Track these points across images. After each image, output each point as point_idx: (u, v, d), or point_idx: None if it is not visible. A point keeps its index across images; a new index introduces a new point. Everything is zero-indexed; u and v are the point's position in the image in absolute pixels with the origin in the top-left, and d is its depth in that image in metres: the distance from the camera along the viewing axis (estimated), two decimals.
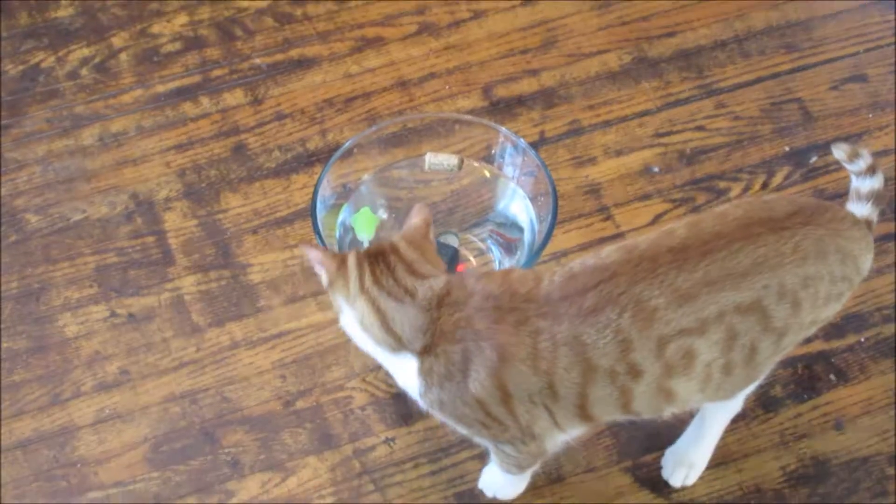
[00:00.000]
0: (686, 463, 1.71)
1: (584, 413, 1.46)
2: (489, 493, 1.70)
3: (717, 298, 1.39)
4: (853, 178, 1.57)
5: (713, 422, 1.69)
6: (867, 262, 1.50)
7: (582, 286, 1.41)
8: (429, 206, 1.55)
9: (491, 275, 1.47)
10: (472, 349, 1.41)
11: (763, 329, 1.43)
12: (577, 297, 1.41)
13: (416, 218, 1.52)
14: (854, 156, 1.55)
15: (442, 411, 1.47)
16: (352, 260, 1.45)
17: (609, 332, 1.39)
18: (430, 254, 1.50)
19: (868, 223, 1.53)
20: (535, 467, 1.63)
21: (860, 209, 1.55)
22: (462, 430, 1.51)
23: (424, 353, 1.42)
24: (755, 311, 1.41)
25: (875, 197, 1.56)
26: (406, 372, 1.45)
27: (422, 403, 1.47)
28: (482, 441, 1.56)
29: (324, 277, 1.48)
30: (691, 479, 1.71)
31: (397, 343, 1.44)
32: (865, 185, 1.56)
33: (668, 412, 1.50)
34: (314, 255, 1.47)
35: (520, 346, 1.40)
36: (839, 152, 1.56)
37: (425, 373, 1.43)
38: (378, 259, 1.45)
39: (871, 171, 1.56)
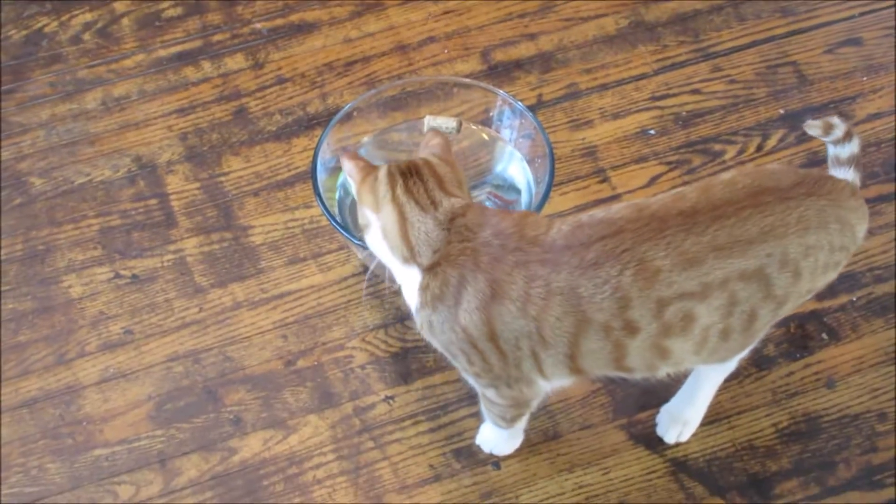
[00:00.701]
0: (680, 420, 1.72)
1: (573, 364, 1.46)
2: (486, 449, 1.72)
3: (723, 264, 1.39)
4: (830, 147, 1.56)
5: (707, 381, 1.70)
6: (863, 230, 1.50)
7: (587, 238, 1.41)
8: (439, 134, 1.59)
9: (509, 213, 1.48)
10: (469, 278, 1.43)
11: (764, 297, 1.43)
12: (580, 248, 1.41)
13: (436, 139, 1.56)
14: (829, 128, 1.55)
15: (431, 334, 1.48)
16: (382, 172, 1.48)
17: (608, 288, 1.39)
18: (457, 171, 1.53)
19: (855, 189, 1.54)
20: (523, 423, 1.65)
21: (843, 174, 1.54)
22: (450, 360, 1.52)
23: (429, 269, 1.44)
24: (758, 278, 1.41)
25: (855, 161, 1.56)
26: (411, 286, 1.47)
27: (416, 321, 1.49)
28: (469, 379, 1.56)
29: (353, 187, 1.52)
30: (685, 436, 1.72)
31: (409, 254, 1.46)
32: (845, 151, 1.55)
33: (663, 371, 1.51)
34: (347, 166, 1.53)
35: (512, 287, 1.41)
36: (813, 130, 1.56)
37: (423, 288, 1.45)
38: (411, 172, 1.48)
39: (849, 136, 1.55)
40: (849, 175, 1.55)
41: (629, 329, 1.41)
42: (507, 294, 1.42)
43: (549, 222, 1.46)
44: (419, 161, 1.50)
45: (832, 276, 1.50)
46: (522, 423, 1.68)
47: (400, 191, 1.47)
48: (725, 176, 1.47)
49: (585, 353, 1.44)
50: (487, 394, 1.56)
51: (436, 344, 1.51)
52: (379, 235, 1.49)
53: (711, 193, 1.44)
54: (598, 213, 1.45)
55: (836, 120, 1.55)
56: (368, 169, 1.51)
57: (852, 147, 1.55)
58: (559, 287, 1.40)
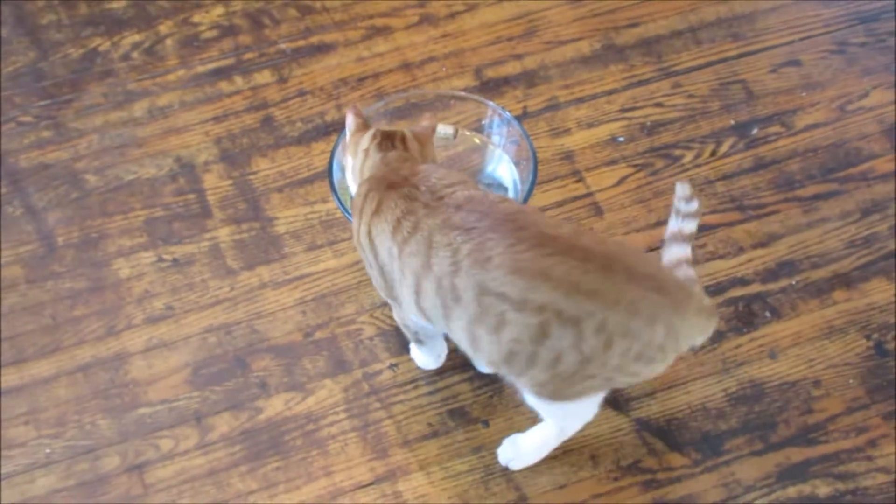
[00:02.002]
0: (515, 447, 1.64)
1: (418, 302, 1.44)
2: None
3: (546, 292, 1.32)
4: (677, 219, 1.50)
5: (546, 422, 1.60)
6: (694, 342, 1.43)
7: (464, 205, 1.40)
8: (435, 118, 1.69)
9: (450, 171, 1.51)
10: (370, 193, 1.49)
11: (572, 346, 1.35)
12: (454, 209, 1.40)
13: (425, 122, 1.63)
14: (690, 199, 1.50)
15: (358, 245, 1.53)
16: (370, 132, 1.59)
17: (449, 250, 1.37)
18: (427, 149, 1.60)
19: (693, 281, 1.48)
20: (435, 348, 1.69)
21: (680, 250, 1.49)
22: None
23: (362, 182, 1.55)
24: (573, 326, 1.33)
25: (691, 241, 1.52)
26: None
27: None
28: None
29: (346, 136, 1.63)
30: (514, 466, 1.65)
31: (359, 182, 1.57)
32: (688, 227, 1.51)
33: (480, 363, 1.45)
34: (349, 119, 1.62)
35: (392, 210, 1.44)
36: (681, 189, 1.50)
37: (352, 202, 1.55)
38: (388, 136, 1.57)
39: (697, 215, 1.50)
40: (685, 251, 1.49)
41: (455, 295, 1.37)
42: (385, 214, 1.44)
43: (463, 181, 1.46)
44: (399, 131, 1.58)
45: (645, 368, 1.41)
46: (435, 348, 1.68)
47: (373, 145, 1.57)
48: (605, 236, 1.41)
49: (424, 296, 1.41)
50: (394, 311, 1.58)
51: (363, 256, 1.53)
52: (349, 175, 1.61)
53: (580, 234, 1.38)
54: (495, 196, 1.44)
55: (697, 198, 1.49)
56: (362, 126, 1.61)
57: (694, 226, 1.50)
58: (424, 227, 1.40)
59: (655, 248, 1.86)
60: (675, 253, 1.51)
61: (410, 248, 1.41)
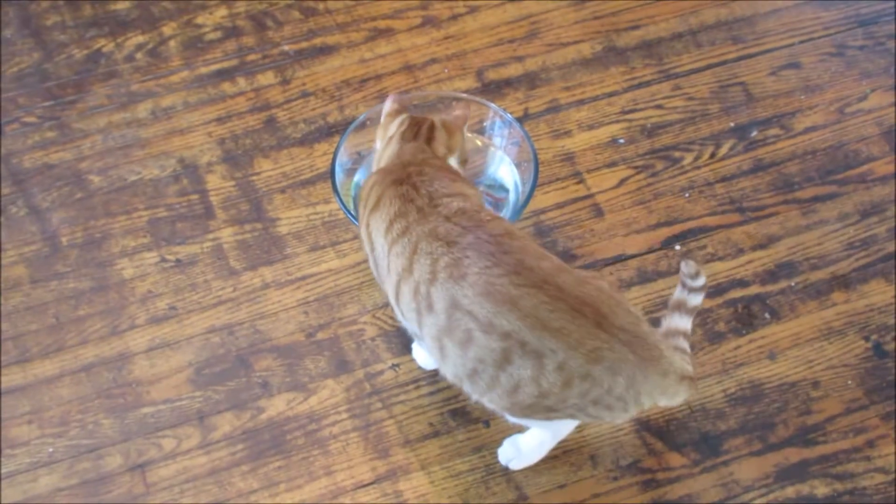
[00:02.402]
0: (515, 447, 1.64)
1: (398, 301, 1.44)
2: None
3: (512, 320, 1.32)
4: (682, 291, 1.50)
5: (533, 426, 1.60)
6: (657, 402, 1.42)
7: (452, 215, 1.41)
8: (468, 108, 1.67)
9: (456, 181, 1.50)
10: (375, 186, 1.49)
11: (532, 378, 1.34)
12: (443, 220, 1.40)
13: (457, 111, 1.63)
14: (696, 274, 1.49)
15: (360, 228, 1.53)
16: (400, 118, 1.59)
17: (429, 259, 1.37)
18: (455, 139, 1.59)
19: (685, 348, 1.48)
20: (420, 356, 1.70)
21: (680, 322, 1.50)
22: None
23: (372, 174, 1.56)
24: (534, 358, 1.33)
25: (693, 314, 1.52)
26: None
27: None
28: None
29: (382, 119, 1.63)
30: (515, 465, 1.64)
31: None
32: (693, 300, 1.51)
33: (444, 371, 1.44)
34: (387, 104, 1.63)
35: (388, 209, 1.45)
36: (686, 267, 1.49)
37: (363, 183, 1.56)
38: (415, 124, 1.58)
39: (703, 290, 1.50)
40: (685, 324, 1.48)
41: (428, 303, 1.37)
42: (381, 211, 1.45)
43: (456, 194, 1.45)
44: (429, 119, 1.58)
45: (612, 415, 1.40)
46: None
47: (398, 133, 1.57)
48: (585, 273, 1.40)
49: (402, 296, 1.42)
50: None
51: (363, 245, 1.53)
52: (375, 158, 1.61)
53: (560, 271, 1.36)
54: (488, 214, 1.43)
55: (702, 273, 1.48)
56: (395, 112, 1.61)
57: (699, 301, 1.50)
58: (412, 232, 1.40)
59: (655, 249, 1.87)
60: (676, 323, 1.53)
61: (397, 248, 1.42)
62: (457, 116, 1.61)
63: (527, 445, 1.63)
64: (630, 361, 1.35)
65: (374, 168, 1.61)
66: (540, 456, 1.65)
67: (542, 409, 1.40)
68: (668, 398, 1.44)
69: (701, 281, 1.52)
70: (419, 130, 1.57)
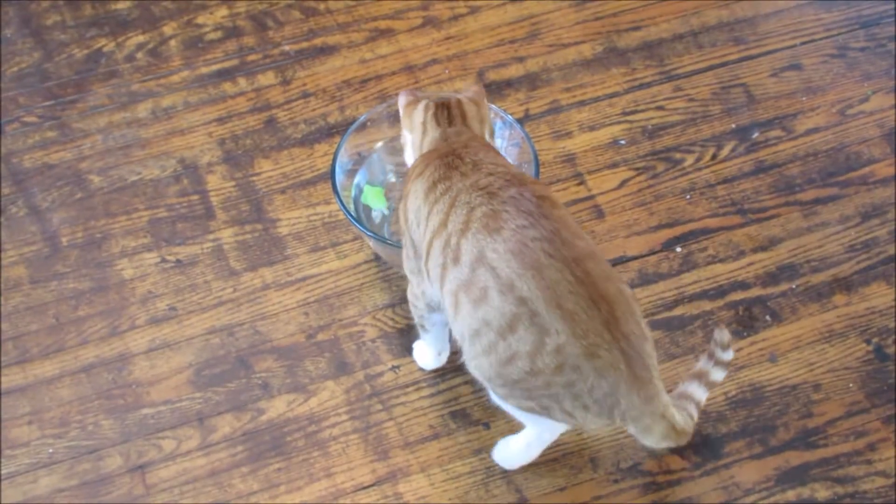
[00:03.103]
0: (507, 447, 1.63)
1: (426, 261, 1.43)
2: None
3: (532, 287, 1.30)
4: (708, 362, 1.49)
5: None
6: (627, 425, 1.41)
7: (496, 171, 1.40)
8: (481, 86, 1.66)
9: (493, 150, 1.51)
10: (419, 163, 1.49)
11: (528, 354, 1.33)
12: (485, 174, 1.41)
13: (475, 87, 1.62)
14: (727, 347, 1.47)
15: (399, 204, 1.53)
16: (422, 104, 1.56)
17: (466, 208, 1.37)
18: (483, 109, 1.59)
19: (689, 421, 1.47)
20: (436, 344, 1.67)
21: (697, 392, 1.50)
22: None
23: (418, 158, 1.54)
24: (537, 333, 1.32)
25: (711, 388, 1.52)
26: None
27: None
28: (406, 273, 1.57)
29: (401, 114, 1.60)
30: (507, 465, 1.64)
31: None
32: (714, 375, 1.50)
33: (454, 327, 1.42)
34: (402, 98, 1.60)
35: (431, 174, 1.44)
36: (720, 335, 1.47)
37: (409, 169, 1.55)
38: (443, 105, 1.55)
39: (725, 366, 1.48)
40: (701, 395, 1.47)
41: (455, 256, 1.36)
42: (425, 176, 1.44)
43: (503, 165, 1.45)
44: (452, 99, 1.56)
45: (585, 417, 1.39)
46: (437, 341, 1.66)
47: (430, 115, 1.54)
48: (613, 270, 1.38)
49: (430, 257, 1.41)
50: (411, 287, 1.55)
51: (401, 225, 1.53)
52: (409, 150, 1.58)
53: (591, 257, 1.34)
54: (532, 178, 1.43)
55: (731, 348, 1.46)
56: (414, 101, 1.58)
57: (721, 376, 1.49)
58: (454, 189, 1.39)
59: (656, 250, 1.86)
60: (692, 391, 1.52)
61: (438, 207, 1.41)
62: (476, 91, 1.60)
63: (516, 446, 1.63)
64: (620, 371, 1.34)
65: (413, 158, 1.58)
66: (529, 457, 1.63)
67: (523, 393, 1.38)
68: (641, 429, 1.42)
69: (729, 355, 1.52)
70: (450, 111, 1.55)
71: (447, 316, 1.45)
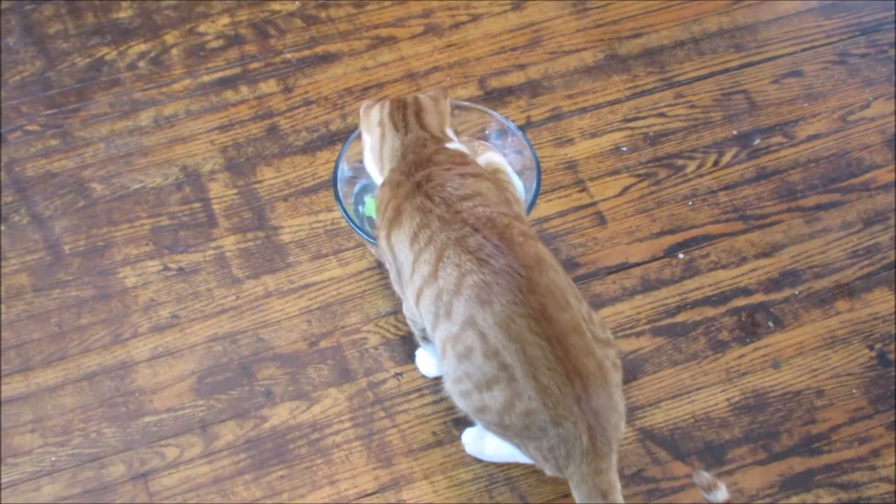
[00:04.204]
0: (481, 439, 1.65)
1: (417, 303, 1.46)
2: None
3: (514, 358, 1.35)
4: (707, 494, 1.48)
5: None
6: (572, 488, 1.43)
7: (481, 226, 1.41)
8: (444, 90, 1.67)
9: (468, 174, 1.49)
10: (391, 202, 1.48)
11: (498, 411, 1.38)
12: (471, 228, 1.41)
13: (436, 90, 1.63)
14: (713, 486, 1.45)
15: (383, 247, 1.52)
16: (378, 104, 1.58)
17: (457, 270, 1.39)
18: (441, 105, 1.60)
19: None
20: (428, 354, 1.69)
21: None
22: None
23: (383, 184, 1.54)
24: (511, 395, 1.37)
25: None
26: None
27: None
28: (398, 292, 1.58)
29: (360, 120, 1.61)
30: (469, 450, 1.66)
31: (380, 169, 1.56)
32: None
33: (440, 365, 1.46)
34: (361, 108, 1.62)
35: (409, 222, 1.45)
36: (700, 479, 1.46)
37: (377, 196, 1.54)
38: (399, 102, 1.57)
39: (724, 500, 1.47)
40: None
41: (448, 312, 1.39)
42: (404, 226, 1.45)
43: (472, 195, 1.45)
44: (409, 96, 1.58)
45: (543, 465, 1.44)
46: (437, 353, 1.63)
47: (385, 114, 1.55)
48: (600, 335, 1.41)
49: (423, 299, 1.43)
50: (406, 305, 1.55)
51: (384, 255, 1.53)
52: (368, 154, 1.59)
53: (574, 330, 1.37)
54: (517, 232, 1.42)
55: (721, 484, 1.44)
56: (372, 104, 1.60)
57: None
58: (437, 240, 1.41)
59: (658, 257, 1.85)
60: None
61: (424, 257, 1.43)
62: (437, 90, 1.62)
63: (489, 444, 1.63)
64: (580, 442, 1.39)
65: (374, 165, 1.59)
66: (496, 459, 1.64)
67: (495, 427, 1.45)
68: (577, 491, 1.44)
69: (722, 495, 1.46)
70: (406, 111, 1.56)
71: (437, 356, 1.50)
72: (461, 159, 1.54)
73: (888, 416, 1.69)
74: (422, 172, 1.49)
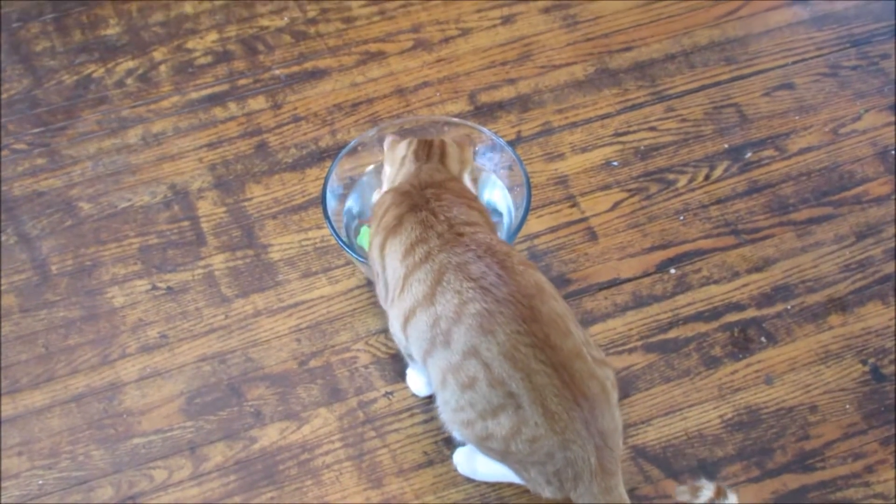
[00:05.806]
0: (473, 459, 1.64)
1: (404, 326, 1.45)
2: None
3: (520, 386, 1.35)
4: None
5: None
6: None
7: (483, 253, 1.40)
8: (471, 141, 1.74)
9: (475, 209, 1.51)
10: (392, 208, 1.49)
11: (503, 437, 1.38)
12: (473, 254, 1.40)
13: (462, 132, 1.70)
14: (696, 490, 1.44)
15: (372, 249, 1.53)
16: (405, 141, 1.62)
17: (457, 297, 1.38)
18: (466, 153, 1.62)
19: None
20: (414, 371, 1.69)
21: None
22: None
23: (388, 190, 1.56)
24: (520, 424, 1.37)
25: None
26: None
27: None
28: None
29: (385, 156, 1.65)
30: (462, 469, 1.66)
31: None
32: None
33: (438, 395, 1.45)
34: (387, 140, 1.65)
35: (408, 233, 1.45)
36: (682, 494, 1.45)
37: (373, 208, 1.57)
38: (426, 144, 1.60)
39: (721, 494, 1.45)
40: None
41: (446, 340, 1.39)
42: (401, 235, 1.46)
43: (476, 223, 1.46)
44: (436, 139, 1.61)
45: (545, 488, 1.44)
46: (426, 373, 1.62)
47: (411, 151, 1.58)
48: (599, 357, 1.42)
49: (413, 325, 1.43)
50: (392, 323, 1.53)
51: (372, 266, 1.53)
52: (386, 185, 1.61)
53: (577, 356, 1.37)
54: (518, 258, 1.43)
55: (706, 482, 1.44)
56: (399, 140, 1.63)
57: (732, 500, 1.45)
58: (435, 260, 1.41)
59: (650, 272, 1.85)
60: None
61: (419, 274, 1.41)
62: (464, 136, 1.65)
63: (481, 463, 1.62)
64: (589, 464, 1.39)
65: (387, 187, 1.61)
66: (488, 479, 1.64)
67: (497, 453, 1.45)
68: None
69: (708, 493, 1.45)
70: (431, 149, 1.59)
71: (431, 383, 1.49)
72: (471, 195, 1.56)
73: (882, 431, 1.69)
74: (433, 190, 1.51)
